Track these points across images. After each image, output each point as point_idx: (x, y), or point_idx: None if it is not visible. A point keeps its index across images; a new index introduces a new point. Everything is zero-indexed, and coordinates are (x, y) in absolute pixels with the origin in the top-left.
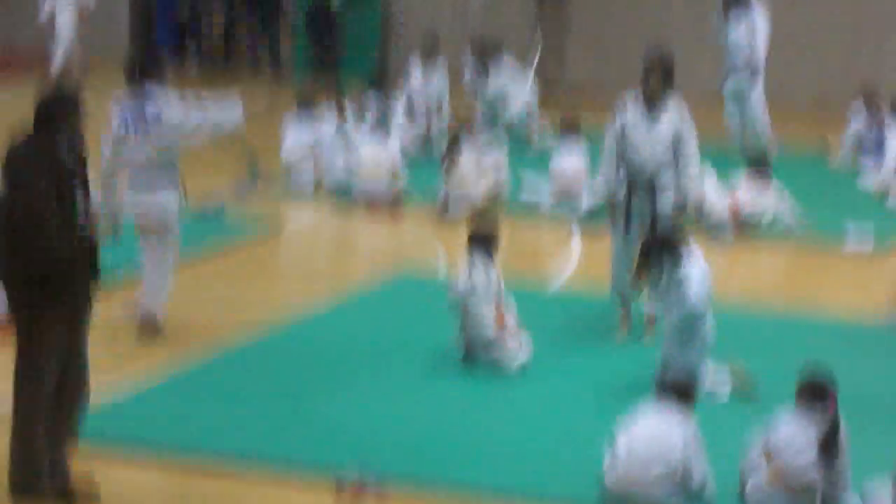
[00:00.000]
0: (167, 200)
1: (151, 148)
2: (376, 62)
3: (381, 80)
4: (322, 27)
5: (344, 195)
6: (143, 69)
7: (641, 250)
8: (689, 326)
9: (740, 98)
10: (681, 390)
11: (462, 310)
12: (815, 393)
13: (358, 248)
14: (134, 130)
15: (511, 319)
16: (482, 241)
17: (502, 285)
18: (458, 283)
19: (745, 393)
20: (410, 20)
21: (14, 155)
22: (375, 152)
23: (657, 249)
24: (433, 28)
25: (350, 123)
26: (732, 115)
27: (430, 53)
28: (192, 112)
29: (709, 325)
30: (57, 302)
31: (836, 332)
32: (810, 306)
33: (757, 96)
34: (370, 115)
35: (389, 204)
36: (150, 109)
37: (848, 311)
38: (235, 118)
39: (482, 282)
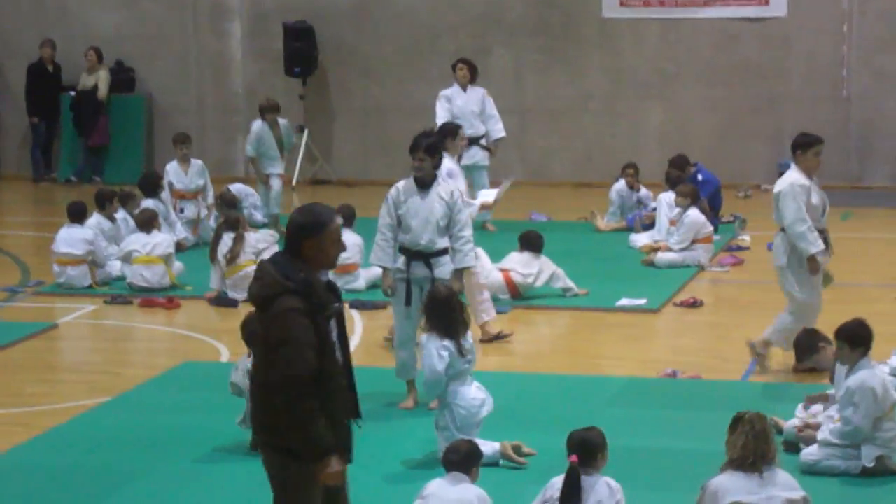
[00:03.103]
0: None
1: None
2: (143, 151)
3: (149, 175)
4: (88, 114)
5: (119, 287)
6: None
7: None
8: (431, 392)
9: (475, 170)
10: (464, 461)
11: (246, 393)
12: (571, 450)
13: (137, 338)
14: None
15: None
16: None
17: None
18: (239, 367)
19: (516, 463)
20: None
21: None
22: (148, 241)
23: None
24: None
25: (120, 215)
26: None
27: (179, 141)
28: None
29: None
30: None
31: (616, 387)
32: (589, 365)
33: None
34: (139, 207)
35: (165, 292)
36: None
37: (626, 365)
38: None
39: None
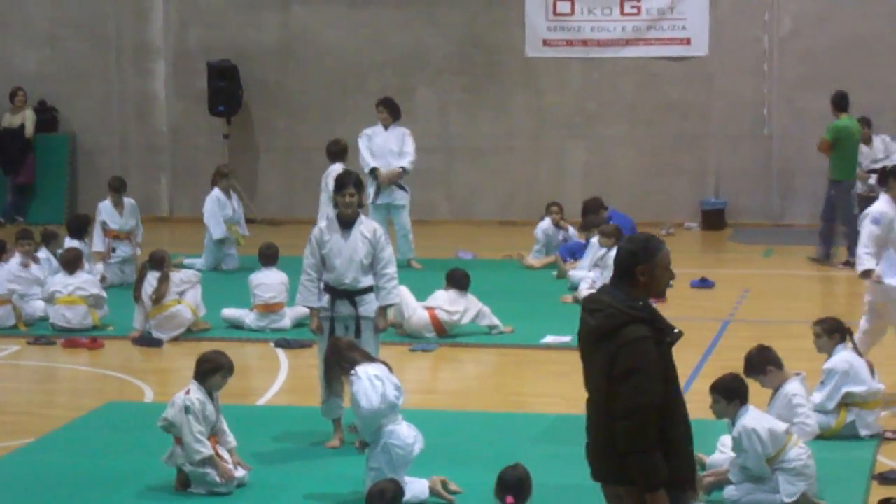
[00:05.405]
0: None
1: None
2: (66, 190)
3: (79, 218)
4: (15, 153)
5: (42, 327)
6: None
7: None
8: (369, 431)
9: (393, 209)
10: (384, 500)
11: (177, 429)
12: (507, 491)
13: (60, 378)
14: None
15: (225, 453)
16: (203, 372)
17: (221, 417)
18: (176, 403)
19: (445, 500)
20: (98, 150)
21: None
22: (70, 282)
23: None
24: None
25: (43, 255)
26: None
27: (118, 188)
28: None
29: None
30: None
31: (542, 424)
32: (515, 403)
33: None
34: (63, 247)
35: (88, 333)
36: None
37: (552, 402)
38: None
39: (198, 406)
